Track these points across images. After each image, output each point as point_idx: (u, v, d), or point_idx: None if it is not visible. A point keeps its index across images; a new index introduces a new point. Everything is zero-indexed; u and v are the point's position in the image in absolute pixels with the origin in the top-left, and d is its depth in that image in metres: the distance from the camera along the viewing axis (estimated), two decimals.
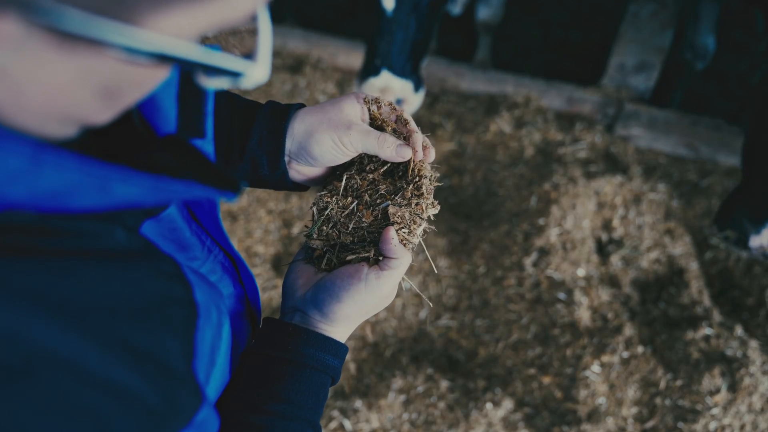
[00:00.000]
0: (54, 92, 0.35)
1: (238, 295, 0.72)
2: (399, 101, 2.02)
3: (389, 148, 0.71)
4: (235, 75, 0.41)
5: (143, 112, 0.54)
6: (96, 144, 0.48)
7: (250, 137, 0.73)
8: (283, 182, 0.76)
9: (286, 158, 0.74)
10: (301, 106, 0.75)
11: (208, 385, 0.57)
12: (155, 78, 0.40)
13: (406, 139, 0.75)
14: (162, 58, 0.35)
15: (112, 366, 0.41)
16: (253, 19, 0.44)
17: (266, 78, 0.44)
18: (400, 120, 0.76)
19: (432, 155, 0.76)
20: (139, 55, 0.34)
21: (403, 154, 0.72)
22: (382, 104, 0.77)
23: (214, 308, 0.57)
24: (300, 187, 0.79)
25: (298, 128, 0.72)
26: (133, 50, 0.33)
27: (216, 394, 0.62)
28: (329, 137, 0.71)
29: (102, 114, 0.40)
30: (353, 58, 3.12)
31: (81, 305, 0.40)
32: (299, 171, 0.76)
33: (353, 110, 0.73)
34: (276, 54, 3.11)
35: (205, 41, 0.55)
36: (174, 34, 0.35)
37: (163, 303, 0.48)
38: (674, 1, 2.74)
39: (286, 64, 3.08)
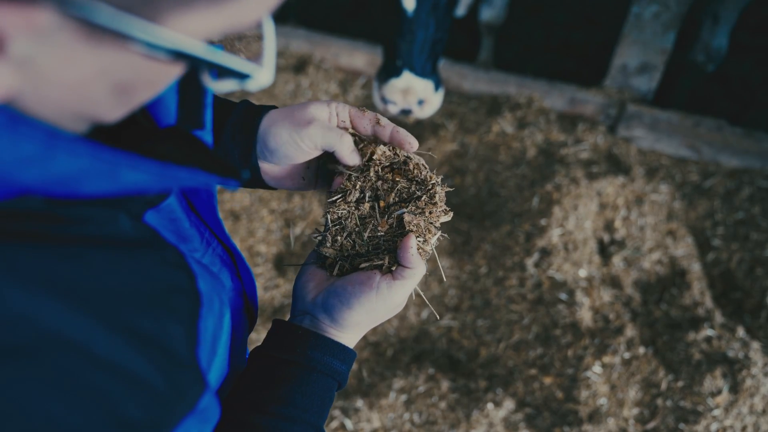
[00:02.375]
0: (74, 86, 0.37)
1: (237, 290, 0.72)
2: (420, 102, 2.01)
3: (350, 149, 0.71)
4: (242, 77, 0.43)
5: (146, 104, 0.55)
6: (102, 134, 0.50)
7: (224, 131, 0.73)
8: (255, 178, 0.76)
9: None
10: (272, 107, 0.75)
11: (210, 373, 0.57)
12: (167, 77, 0.42)
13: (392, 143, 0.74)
14: (179, 56, 0.37)
15: (119, 349, 0.42)
16: (259, 25, 0.46)
17: (271, 81, 0.46)
18: (374, 122, 0.74)
19: (414, 145, 0.75)
20: (159, 51, 0.36)
21: (354, 160, 0.72)
22: (352, 110, 0.74)
23: (216, 298, 0.57)
24: (271, 186, 0.79)
25: (263, 125, 0.72)
26: (155, 46, 0.35)
27: (216, 383, 0.62)
28: (286, 131, 0.70)
29: (114, 112, 0.42)
30: (356, 58, 3.12)
31: (88, 290, 0.42)
32: (263, 170, 0.75)
33: (319, 111, 0.71)
34: (279, 54, 3.11)
35: (212, 42, 0.57)
36: (191, 34, 0.37)
37: (168, 291, 0.49)
38: (677, 3, 2.73)
39: (289, 65, 3.08)
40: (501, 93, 2.99)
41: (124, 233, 0.48)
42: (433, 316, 2.22)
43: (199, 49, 0.38)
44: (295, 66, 3.10)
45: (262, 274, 2.31)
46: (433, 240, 0.71)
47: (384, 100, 2.01)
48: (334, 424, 1.88)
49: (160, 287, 0.48)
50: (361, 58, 3.11)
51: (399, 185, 0.75)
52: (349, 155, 0.72)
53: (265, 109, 0.74)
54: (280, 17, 3.39)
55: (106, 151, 0.39)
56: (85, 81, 0.37)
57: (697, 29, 3.05)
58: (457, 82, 3.04)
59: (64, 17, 0.32)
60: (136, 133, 0.53)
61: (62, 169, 0.38)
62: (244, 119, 0.73)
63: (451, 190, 0.79)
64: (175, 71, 0.42)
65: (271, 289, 2.27)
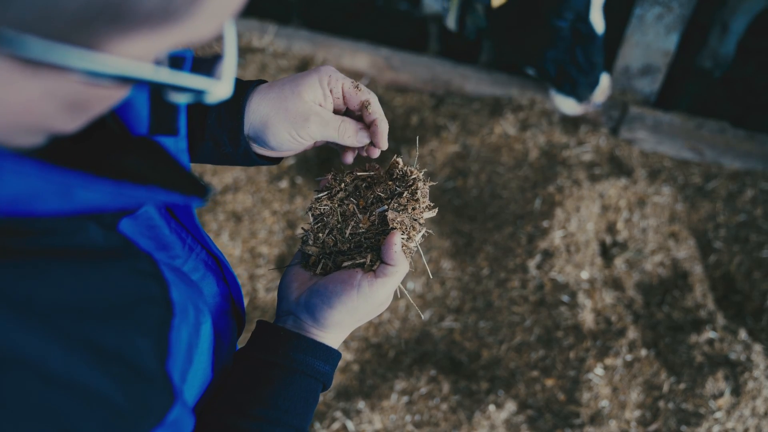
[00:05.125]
0: (19, 108, 0.36)
1: (223, 294, 0.72)
2: (598, 105, 2.60)
3: (350, 138, 0.72)
4: (198, 92, 0.42)
5: (116, 110, 0.54)
6: (66, 146, 0.48)
7: (208, 116, 0.72)
8: (248, 158, 0.75)
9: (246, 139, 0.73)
10: (261, 82, 0.73)
11: (186, 383, 0.57)
12: (121, 93, 0.41)
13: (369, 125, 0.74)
14: (123, 80, 0.36)
15: (77, 366, 0.41)
16: (219, 36, 0.44)
17: (230, 95, 0.44)
18: (364, 105, 0.73)
19: (383, 145, 0.75)
20: (101, 77, 0.34)
21: (362, 141, 0.73)
22: (346, 84, 0.73)
23: (191, 307, 0.57)
24: (271, 160, 0.78)
25: (254, 115, 0.70)
26: (95, 73, 0.34)
27: (197, 392, 0.62)
28: (286, 131, 0.70)
29: (69, 125, 0.40)
30: (358, 59, 3.12)
31: (47, 305, 0.40)
32: (261, 151, 0.75)
33: (313, 96, 0.70)
34: (282, 55, 3.12)
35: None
36: (136, 57, 0.35)
37: (135, 302, 0.48)
38: (680, 5, 2.73)
39: (292, 66, 3.09)
40: (503, 94, 2.99)
41: (94, 243, 0.47)
42: (434, 317, 2.22)
43: (144, 71, 0.36)
44: (297, 67, 3.10)
45: (264, 275, 2.31)
46: (418, 237, 0.71)
47: (595, 105, 2.57)
48: (336, 425, 1.88)
49: (127, 299, 0.47)
50: (364, 59, 3.12)
51: (381, 183, 0.75)
52: (353, 144, 0.73)
53: (250, 87, 0.72)
54: (283, 18, 3.39)
55: (55, 171, 0.38)
56: (31, 102, 0.36)
57: (702, 34, 3.04)
58: (459, 83, 3.04)
59: None
60: (101, 144, 0.52)
61: (10, 189, 0.37)
62: (228, 102, 0.71)
63: (434, 184, 0.78)
64: (128, 88, 0.41)
65: (273, 290, 2.27)
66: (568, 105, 2.60)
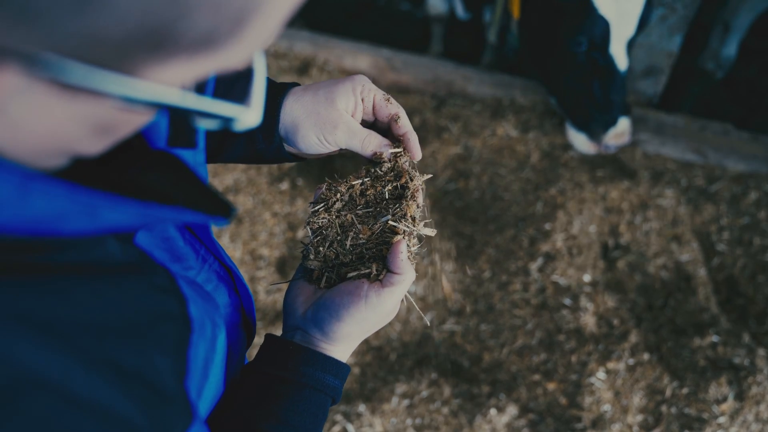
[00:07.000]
0: (50, 131, 0.36)
1: (235, 305, 0.71)
2: (611, 148, 2.44)
3: (367, 151, 0.74)
4: (227, 119, 0.42)
5: None
6: (88, 164, 0.48)
7: None
8: (280, 155, 0.77)
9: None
10: (295, 84, 0.76)
11: (201, 399, 0.56)
12: (147, 118, 0.41)
13: (398, 137, 0.76)
14: (157, 105, 0.36)
15: (98, 387, 0.40)
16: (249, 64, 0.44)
17: (258, 122, 0.44)
18: (394, 119, 0.76)
19: (417, 156, 0.77)
20: (136, 103, 0.35)
21: (385, 156, 0.74)
22: (378, 96, 0.76)
23: (208, 322, 0.56)
24: (298, 157, 0.80)
25: (287, 116, 0.73)
26: (130, 99, 0.34)
27: (210, 405, 0.61)
28: (314, 134, 0.72)
29: (94, 147, 0.41)
30: (360, 60, 3.11)
31: (68, 324, 0.40)
32: (290, 150, 0.77)
33: (345, 104, 0.73)
34: (283, 56, 3.11)
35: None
36: (170, 84, 0.36)
37: (155, 320, 0.47)
38: (684, 6, 2.72)
39: (293, 67, 3.08)
40: (505, 96, 2.97)
41: (112, 258, 0.46)
42: (436, 319, 2.21)
43: (179, 98, 0.37)
44: (298, 68, 3.09)
45: (264, 277, 2.30)
46: (420, 227, 0.71)
47: (607, 147, 2.43)
48: (337, 428, 1.87)
49: (146, 317, 0.46)
50: (365, 60, 3.10)
51: (377, 191, 0.75)
52: (369, 155, 0.75)
53: (285, 88, 0.74)
54: None
55: (82, 192, 0.38)
56: (62, 126, 0.36)
57: (705, 35, 3.03)
58: (461, 84, 3.03)
59: (32, 77, 0.31)
60: (122, 158, 0.52)
61: (38, 210, 0.37)
62: (266, 100, 0.73)
63: (430, 176, 0.78)
64: (153, 112, 0.41)
65: (274, 293, 2.26)
66: (579, 141, 2.50)
